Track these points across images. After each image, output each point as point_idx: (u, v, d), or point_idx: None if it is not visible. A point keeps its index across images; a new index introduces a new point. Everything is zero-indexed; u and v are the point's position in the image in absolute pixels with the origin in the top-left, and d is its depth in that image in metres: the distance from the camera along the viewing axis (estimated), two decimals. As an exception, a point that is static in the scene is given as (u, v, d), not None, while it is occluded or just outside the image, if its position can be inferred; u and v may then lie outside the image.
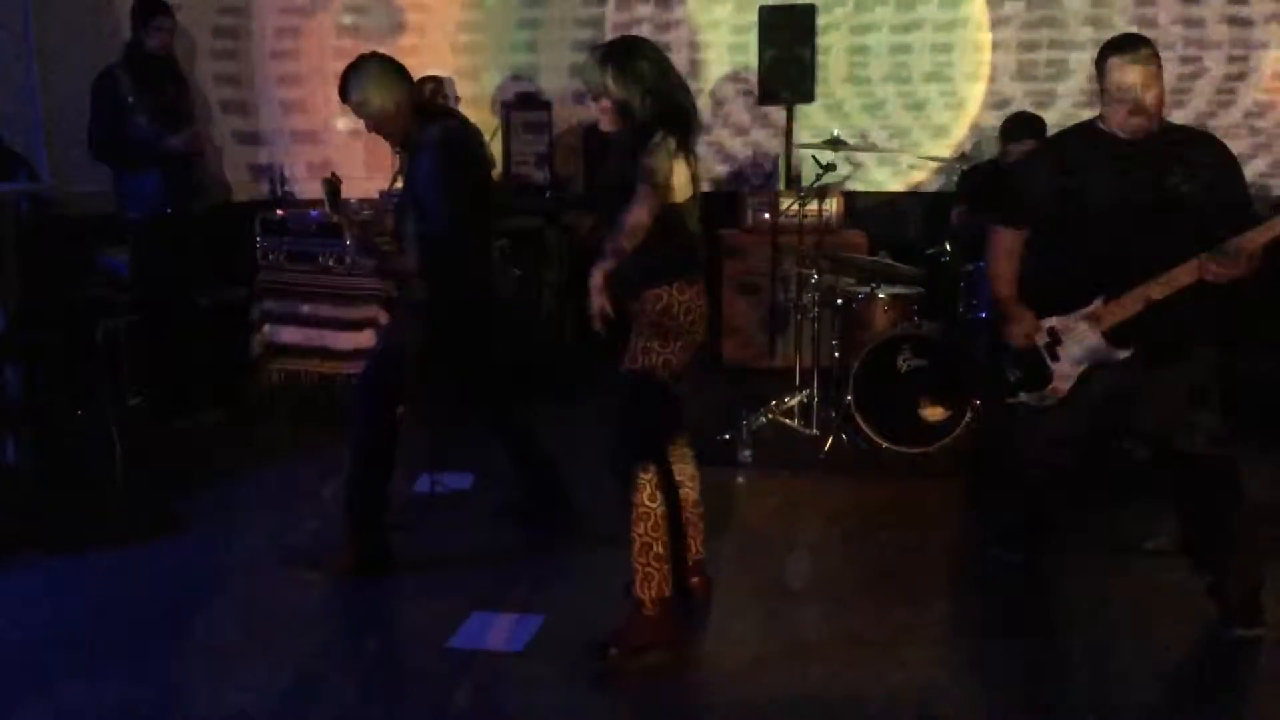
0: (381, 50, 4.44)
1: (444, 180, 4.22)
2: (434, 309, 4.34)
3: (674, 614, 3.73)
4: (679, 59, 7.53)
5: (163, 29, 6.13)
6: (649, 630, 3.67)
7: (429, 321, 4.36)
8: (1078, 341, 3.94)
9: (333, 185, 4.35)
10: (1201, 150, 3.82)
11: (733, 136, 7.67)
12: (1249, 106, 7.11)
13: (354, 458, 4.34)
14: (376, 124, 4.28)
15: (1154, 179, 3.74)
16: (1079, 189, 3.84)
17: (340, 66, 4.35)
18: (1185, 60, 7.08)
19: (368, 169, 7.45)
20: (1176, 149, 3.78)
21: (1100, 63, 3.81)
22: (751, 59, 7.36)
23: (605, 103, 3.62)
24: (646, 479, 3.63)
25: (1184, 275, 3.70)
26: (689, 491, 4.03)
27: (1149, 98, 3.70)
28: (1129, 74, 3.69)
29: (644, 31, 7.52)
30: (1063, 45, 7.24)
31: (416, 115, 4.31)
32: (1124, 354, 3.86)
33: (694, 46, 7.59)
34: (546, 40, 7.70)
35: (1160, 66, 3.74)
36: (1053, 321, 3.99)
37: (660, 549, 3.64)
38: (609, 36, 7.47)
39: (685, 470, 4.03)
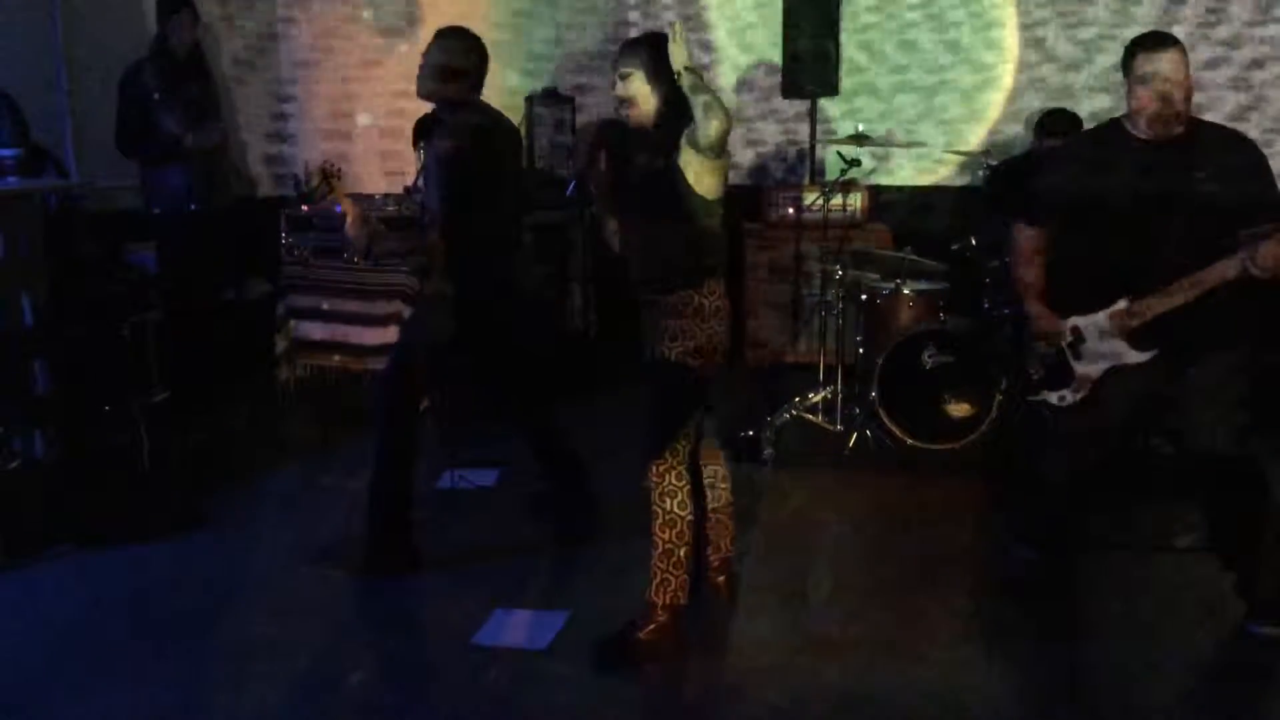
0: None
1: (444, 171, 4.25)
2: (457, 304, 4.34)
3: (683, 623, 3.72)
4: (702, 51, 7.53)
5: (186, 23, 6.15)
6: (658, 635, 3.66)
7: (451, 317, 4.37)
8: (1101, 342, 3.91)
9: (327, 174, 4.41)
10: (1230, 150, 3.77)
11: (756, 130, 7.64)
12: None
13: (377, 454, 4.36)
14: (427, 91, 4.31)
15: (1179, 181, 3.70)
16: (1102, 188, 3.82)
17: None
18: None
19: (385, 164, 7.48)
20: (1203, 149, 3.73)
21: (1127, 60, 3.78)
22: (776, 52, 7.34)
23: (633, 95, 3.60)
24: (679, 485, 3.62)
25: (1212, 277, 3.67)
26: (722, 491, 4.03)
27: (1176, 93, 3.66)
28: (1156, 69, 3.66)
29: (667, 23, 7.50)
30: (1091, 39, 7.19)
31: (448, 102, 4.32)
32: (1146, 356, 3.84)
33: (718, 39, 7.55)
34: (569, 35, 7.69)
35: (1188, 63, 3.70)
36: (1076, 321, 3.96)
37: (681, 555, 3.64)
38: (633, 30, 7.48)
39: (718, 472, 4.03)
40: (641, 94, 3.57)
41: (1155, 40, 3.75)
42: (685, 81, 3.42)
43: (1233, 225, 3.71)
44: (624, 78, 3.59)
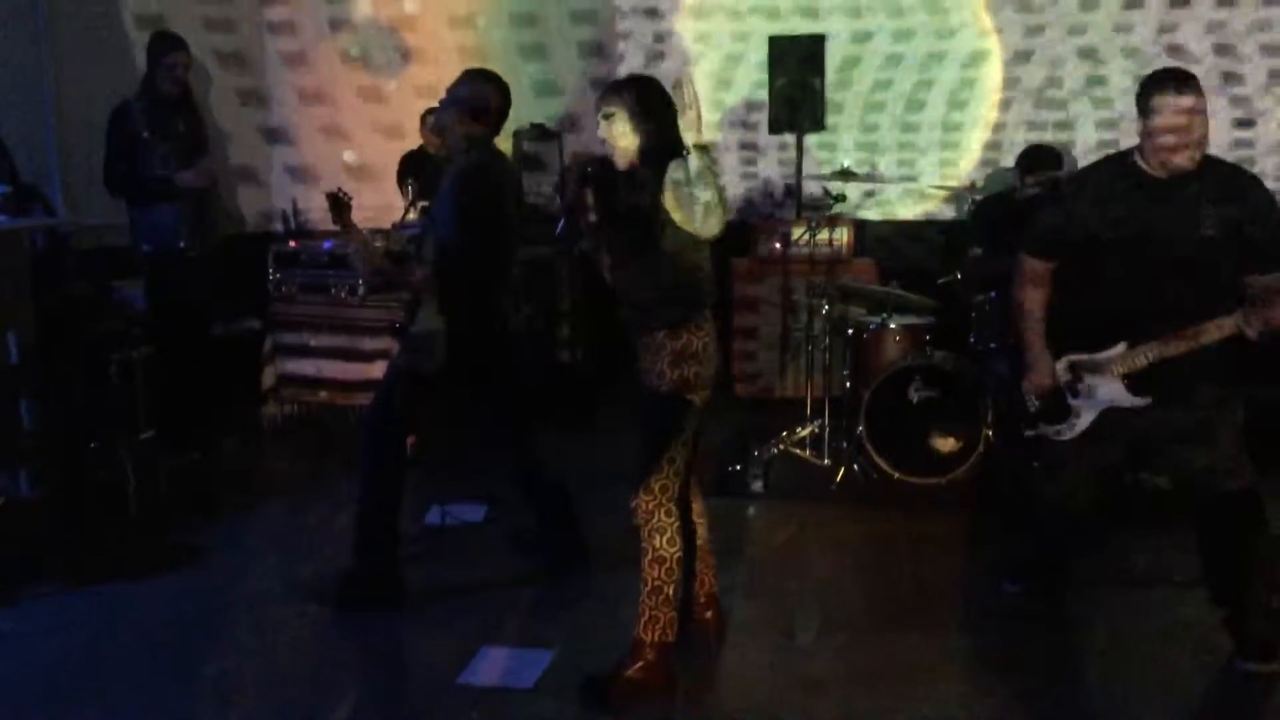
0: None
1: (456, 209, 4.28)
2: (450, 339, 4.35)
3: (672, 661, 3.69)
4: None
5: (178, 65, 6.17)
6: (646, 673, 3.63)
7: (443, 351, 4.37)
8: (1098, 382, 3.90)
9: (339, 200, 4.44)
10: (1239, 188, 3.73)
11: (742, 165, 7.68)
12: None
13: (363, 488, 4.36)
14: (439, 130, 4.38)
15: (1186, 221, 3.68)
16: (1109, 226, 3.78)
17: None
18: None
19: (374, 200, 7.50)
20: (1213, 187, 3.69)
21: (1144, 99, 3.71)
22: (762, 87, 7.40)
23: (616, 136, 3.61)
24: (668, 522, 3.60)
25: (1212, 333, 3.65)
26: (699, 526, 4.02)
27: (1194, 138, 3.62)
28: (1174, 113, 3.61)
29: (653, 60, 7.57)
30: (1080, 74, 7.26)
31: (468, 139, 4.37)
32: (1143, 401, 3.83)
33: (703, 73, 7.61)
34: (554, 71, 7.74)
35: (1205, 105, 3.66)
36: (1074, 358, 3.95)
37: (670, 593, 3.62)
38: (617, 68, 7.54)
39: (696, 508, 4.02)
40: (624, 134, 3.59)
41: (1174, 79, 3.68)
42: (694, 164, 3.34)
43: (1240, 264, 3.69)
44: (607, 118, 3.61)
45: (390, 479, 4.37)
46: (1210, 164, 3.77)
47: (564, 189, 3.82)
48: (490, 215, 4.33)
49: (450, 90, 4.40)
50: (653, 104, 3.58)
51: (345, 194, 4.49)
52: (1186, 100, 3.61)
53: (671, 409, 3.62)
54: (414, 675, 4.02)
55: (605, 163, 3.69)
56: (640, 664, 3.63)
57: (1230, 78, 7.09)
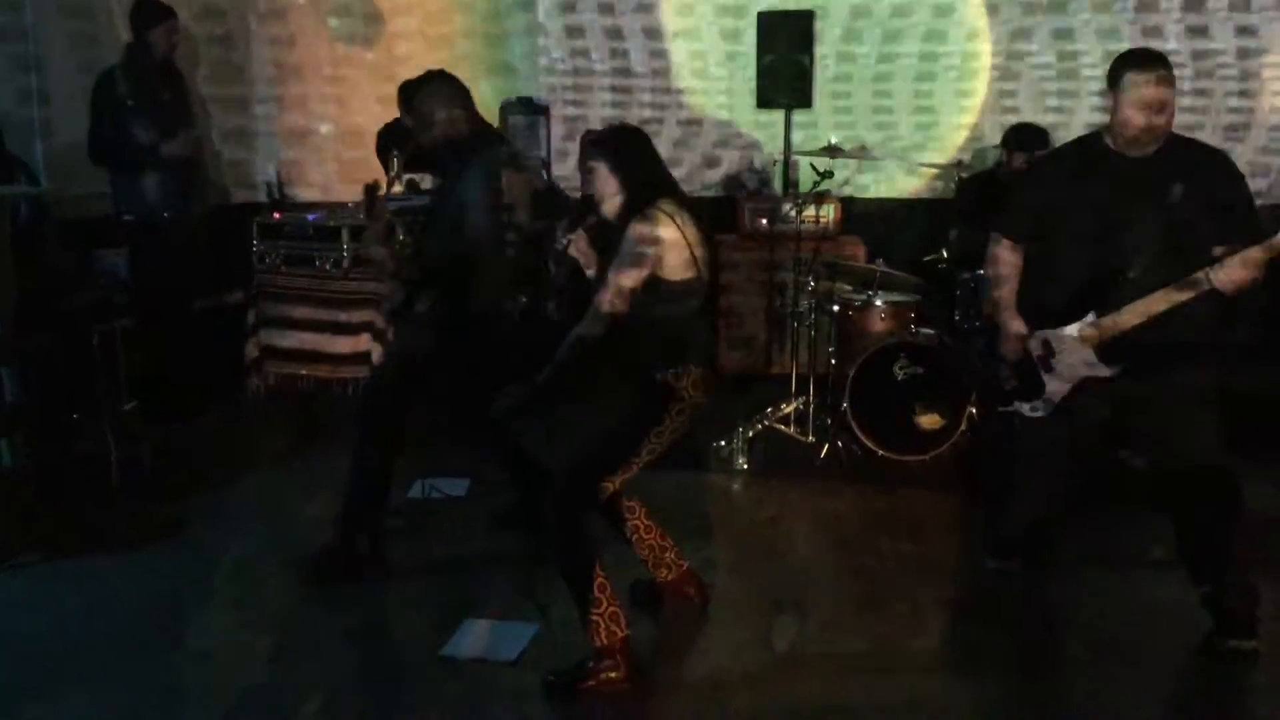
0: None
1: (486, 198, 4.29)
2: (450, 320, 4.34)
3: (633, 650, 3.60)
4: (676, 65, 7.55)
5: (169, 32, 6.14)
6: (611, 667, 3.55)
7: (440, 333, 4.37)
8: (1070, 355, 3.93)
9: (372, 190, 4.45)
10: (1204, 166, 3.80)
11: (730, 141, 7.66)
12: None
13: (356, 463, 4.37)
14: (431, 137, 4.38)
15: (1154, 197, 3.72)
16: (1079, 201, 3.84)
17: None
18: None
19: (352, 172, 7.48)
20: (1180, 164, 3.76)
21: (1115, 76, 3.78)
22: (751, 63, 7.38)
23: (599, 189, 3.64)
24: (576, 534, 3.58)
25: (1180, 293, 3.67)
26: (637, 521, 4.01)
27: (1162, 116, 3.69)
28: (1144, 91, 3.67)
29: (639, 37, 7.53)
30: (1068, 55, 7.25)
31: (474, 134, 4.40)
32: (1115, 371, 3.86)
33: (693, 49, 7.58)
34: (542, 43, 7.69)
35: (1174, 84, 3.72)
36: (1047, 334, 3.98)
37: (597, 594, 3.52)
38: (601, 45, 7.49)
39: (627, 503, 4.00)
40: (607, 188, 3.63)
41: (1144, 58, 3.76)
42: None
43: (1207, 239, 3.72)
44: (589, 171, 3.67)
45: (384, 456, 4.37)
46: (1178, 141, 3.85)
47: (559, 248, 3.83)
48: (494, 202, 4.34)
49: (417, 109, 4.41)
50: (634, 157, 3.63)
51: (377, 183, 4.49)
52: (1155, 80, 3.67)
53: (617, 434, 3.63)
54: (397, 648, 4.04)
55: (601, 220, 3.71)
56: (604, 661, 3.55)
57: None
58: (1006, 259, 4.11)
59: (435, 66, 4.61)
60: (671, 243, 3.54)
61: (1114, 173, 3.80)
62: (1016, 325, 4.06)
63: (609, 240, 3.67)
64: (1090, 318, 3.86)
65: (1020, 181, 4.92)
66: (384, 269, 4.57)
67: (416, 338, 4.45)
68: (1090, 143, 3.96)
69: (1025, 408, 4.10)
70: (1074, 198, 3.87)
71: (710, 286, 3.77)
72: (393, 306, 4.78)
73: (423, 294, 4.42)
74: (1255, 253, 3.53)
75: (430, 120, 4.37)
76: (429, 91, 4.39)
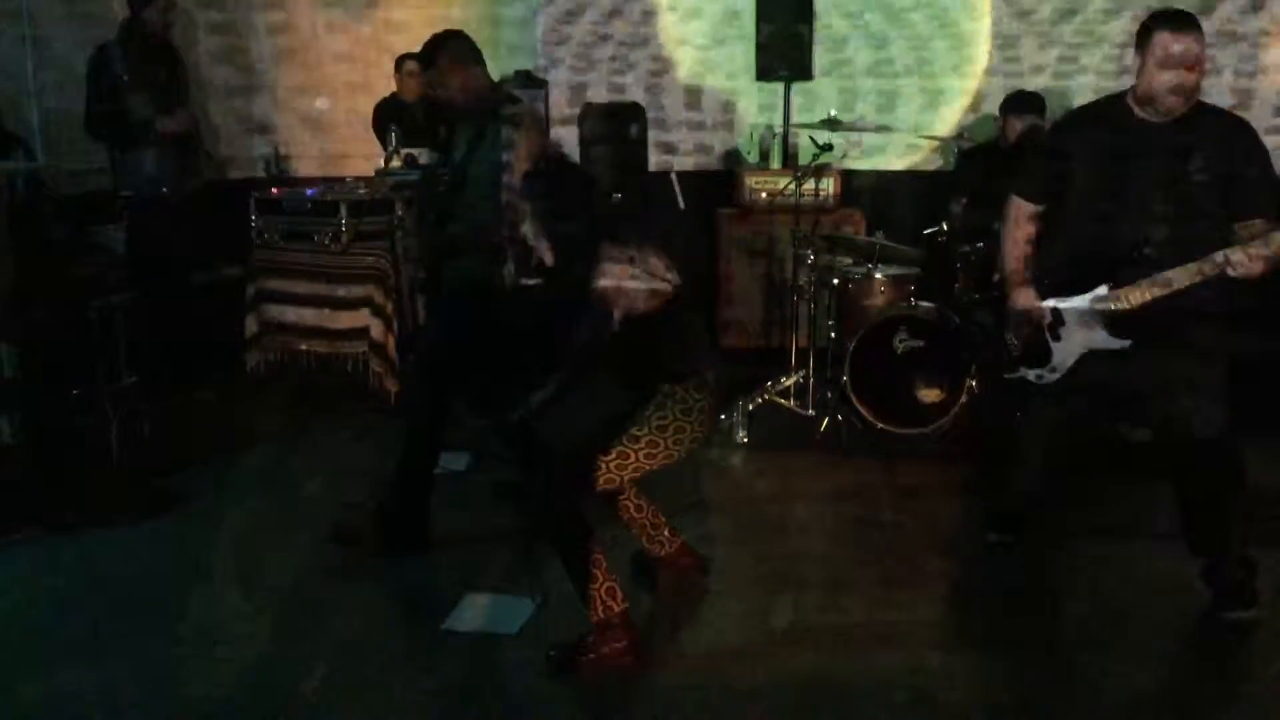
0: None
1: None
2: (489, 293, 4.31)
3: (632, 623, 3.62)
4: (677, 33, 7.50)
5: (166, 6, 6.12)
6: (610, 639, 3.56)
7: (479, 305, 4.36)
8: (1079, 325, 3.91)
9: None
10: (1229, 136, 3.71)
11: (730, 113, 7.62)
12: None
13: (408, 440, 4.41)
14: (449, 95, 4.39)
15: (1175, 166, 3.66)
16: (1097, 168, 3.77)
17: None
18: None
19: (351, 147, 7.46)
20: (1203, 132, 3.68)
21: (1144, 35, 3.67)
22: (751, 34, 7.33)
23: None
24: (573, 513, 3.60)
25: (1190, 274, 3.62)
26: (628, 501, 4.00)
27: (1193, 75, 3.60)
28: (1174, 48, 3.57)
29: (638, 8, 7.48)
30: (1068, 20, 7.20)
31: (486, 88, 4.41)
32: (1123, 344, 3.83)
33: (693, 21, 7.53)
34: (541, 16, 7.65)
35: (1204, 44, 3.62)
36: (1056, 302, 3.94)
37: (592, 569, 3.54)
38: (600, 16, 7.45)
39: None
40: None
41: (1178, 20, 3.63)
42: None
43: (1227, 210, 3.67)
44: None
45: (432, 432, 4.42)
46: (1202, 109, 3.76)
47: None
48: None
49: (442, 70, 4.39)
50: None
51: None
52: (1187, 39, 3.58)
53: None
54: (398, 621, 4.04)
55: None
56: (605, 633, 3.56)
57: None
58: (1021, 221, 4.06)
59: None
60: None
61: (1136, 139, 3.73)
62: (1027, 292, 4.04)
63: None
64: (1102, 290, 3.80)
65: (1038, 142, 4.83)
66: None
67: (463, 311, 4.41)
68: (1112, 104, 3.86)
69: (1031, 374, 4.09)
70: (1093, 162, 3.79)
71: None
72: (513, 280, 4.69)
73: (519, 268, 4.38)
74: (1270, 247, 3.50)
75: (454, 76, 4.36)
76: (450, 48, 4.39)
